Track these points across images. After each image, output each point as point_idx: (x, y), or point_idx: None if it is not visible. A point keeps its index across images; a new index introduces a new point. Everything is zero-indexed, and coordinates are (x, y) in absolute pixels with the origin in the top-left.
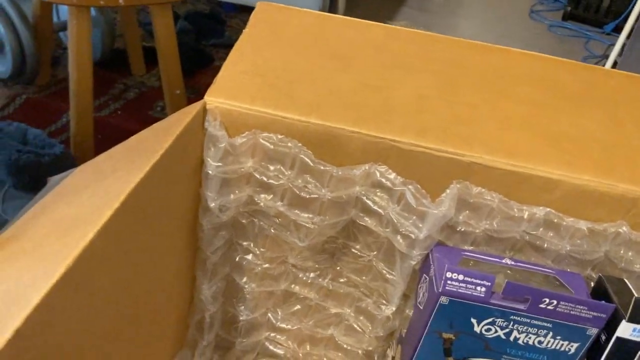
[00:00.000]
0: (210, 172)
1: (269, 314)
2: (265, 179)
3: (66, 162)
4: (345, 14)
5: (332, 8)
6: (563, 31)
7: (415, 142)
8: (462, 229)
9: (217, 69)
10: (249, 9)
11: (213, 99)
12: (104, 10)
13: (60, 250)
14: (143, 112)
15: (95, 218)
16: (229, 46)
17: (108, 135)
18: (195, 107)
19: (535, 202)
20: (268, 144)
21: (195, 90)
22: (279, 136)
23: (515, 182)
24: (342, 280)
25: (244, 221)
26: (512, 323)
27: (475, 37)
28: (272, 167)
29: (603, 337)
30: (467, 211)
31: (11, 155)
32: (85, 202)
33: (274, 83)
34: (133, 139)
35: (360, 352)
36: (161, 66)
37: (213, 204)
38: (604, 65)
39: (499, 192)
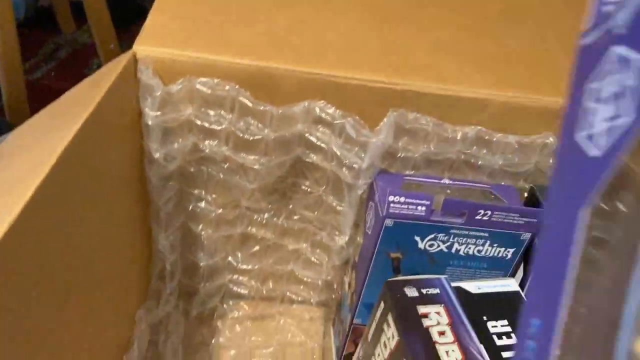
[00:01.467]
0: (149, 122)
1: (229, 258)
2: (207, 124)
3: (2, 131)
4: None
5: None
6: None
7: (350, 75)
8: (402, 155)
9: None
10: None
11: (143, 47)
12: None
13: None
14: (79, 71)
15: (32, 177)
16: None
17: (45, 98)
18: (125, 57)
19: (467, 123)
20: (205, 89)
21: (132, 43)
22: (216, 80)
23: (447, 106)
24: (295, 217)
25: (192, 170)
26: (452, 236)
27: None
28: (212, 112)
29: (537, 241)
30: (405, 137)
31: None
32: (23, 163)
33: (205, 26)
34: (65, 96)
35: (320, 282)
36: (90, 21)
37: (157, 155)
38: None
39: (432, 116)
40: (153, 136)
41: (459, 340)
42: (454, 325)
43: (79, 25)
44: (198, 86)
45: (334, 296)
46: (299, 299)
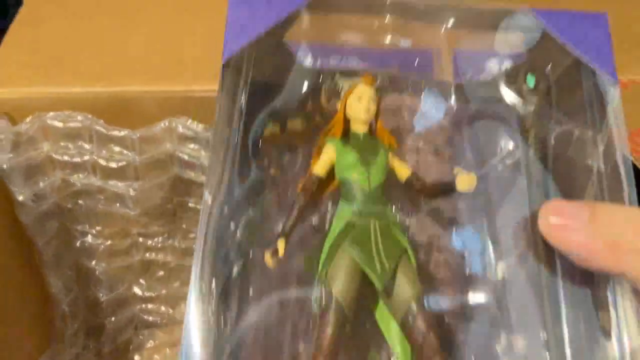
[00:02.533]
0: (4, 166)
1: (134, 287)
2: (68, 158)
3: None
4: None
5: None
6: None
7: (210, 87)
8: None
9: None
10: None
11: None
12: None
13: None
14: None
15: None
16: None
17: None
18: None
19: None
20: (58, 123)
21: None
22: (67, 112)
23: None
24: (191, 236)
25: (69, 205)
26: None
27: None
28: (71, 145)
29: None
30: None
31: None
32: None
33: (55, 57)
34: None
35: None
36: None
37: (21, 197)
38: None
39: None
40: (13, 179)
41: None
42: None
43: None
44: (49, 121)
45: None
46: None
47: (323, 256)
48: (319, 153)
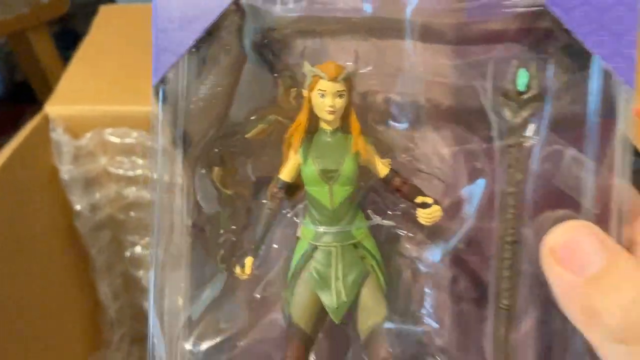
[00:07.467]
0: (65, 177)
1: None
2: (122, 171)
3: None
4: None
5: None
6: None
7: None
8: None
9: None
10: None
11: (54, 107)
12: None
13: None
14: None
15: None
16: None
17: None
18: (36, 118)
19: None
20: (115, 139)
21: None
22: (123, 129)
23: None
24: None
25: (121, 217)
26: None
27: None
28: (126, 160)
29: None
30: None
31: None
32: None
33: (116, 81)
34: None
35: None
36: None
37: (79, 207)
38: None
39: None
40: (72, 189)
41: None
42: None
43: None
44: (107, 137)
45: None
46: None
47: (288, 279)
48: (287, 155)
